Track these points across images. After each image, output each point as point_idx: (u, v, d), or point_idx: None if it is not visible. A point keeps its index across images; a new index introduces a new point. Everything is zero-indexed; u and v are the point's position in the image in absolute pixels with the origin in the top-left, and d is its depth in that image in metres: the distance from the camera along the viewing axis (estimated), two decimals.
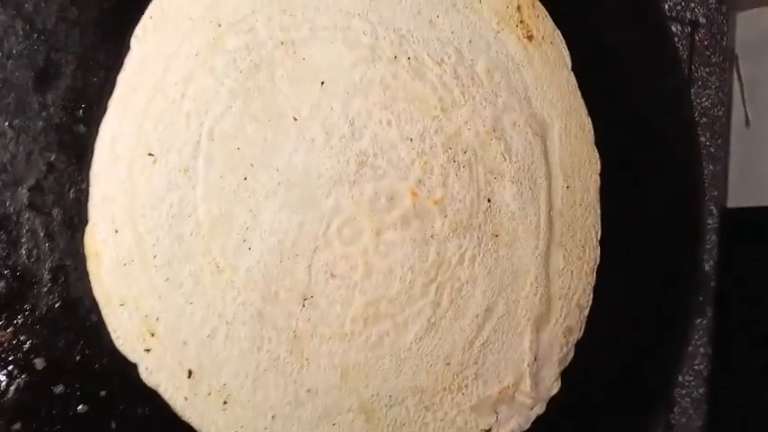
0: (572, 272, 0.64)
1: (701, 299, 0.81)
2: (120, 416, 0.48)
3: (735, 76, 0.85)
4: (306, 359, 0.56)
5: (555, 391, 0.63)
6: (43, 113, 0.45)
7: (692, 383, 0.81)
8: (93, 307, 0.49)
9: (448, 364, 0.60)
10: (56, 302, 0.46)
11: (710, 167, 0.82)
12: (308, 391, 0.56)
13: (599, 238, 0.66)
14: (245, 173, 0.55)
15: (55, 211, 0.47)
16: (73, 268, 0.48)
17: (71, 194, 0.48)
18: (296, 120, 0.57)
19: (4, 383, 0.43)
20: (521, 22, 0.64)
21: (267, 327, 0.56)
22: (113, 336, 0.51)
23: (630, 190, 0.68)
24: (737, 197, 0.85)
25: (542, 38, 0.65)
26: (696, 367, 0.82)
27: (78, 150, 0.48)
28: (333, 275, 0.57)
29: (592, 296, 0.65)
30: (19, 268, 0.45)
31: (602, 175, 0.66)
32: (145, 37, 0.52)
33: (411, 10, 0.61)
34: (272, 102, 0.56)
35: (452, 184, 0.61)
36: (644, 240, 0.70)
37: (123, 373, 0.50)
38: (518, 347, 0.62)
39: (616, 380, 0.67)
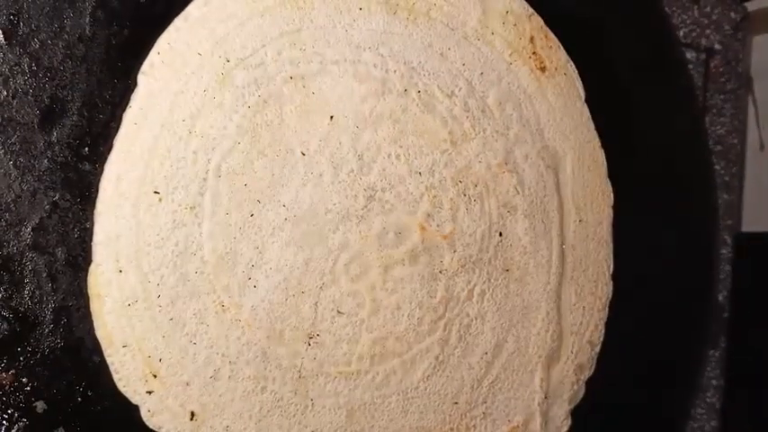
0: (584, 307, 0.63)
1: (714, 330, 0.80)
2: None
3: (749, 100, 0.84)
4: (311, 399, 0.56)
5: (565, 429, 0.62)
6: (48, 152, 0.45)
7: (704, 416, 0.80)
8: (96, 348, 0.48)
9: (456, 403, 0.59)
10: (58, 344, 0.46)
11: (725, 196, 0.81)
12: None
13: (611, 272, 0.65)
14: (251, 209, 0.55)
15: (59, 251, 0.46)
16: (76, 309, 0.48)
17: (75, 234, 0.47)
18: (304, 155, 0.56)
19: (3, 429, 0.43)
20: (533, 53, 0.63)
21: (271, 366, 0.55)
22: (115, 377, 0.51)
23: (643, 222, 0.68)
24: (752, 222, 0.84)
25: (555, 69, 0.64)
26: (708, 400, 0.81)
27: (83, 189, 0.47)
28: (339, 312, 0.57)
29: (603, 332, 0.64)
30: (21, 309, 0.44)
31: (615, 207, 0.66)
32: (152, 73, 0.51)
33: (422, 43, 0.60)
34: (280, 137, 0.55)
35: (462, 218, 0.60)
36: (656, 273, 0.69)
37: (125, 416, 0.49)
38: (528, 385, 0.61)
39: (628, 416, 0.67)
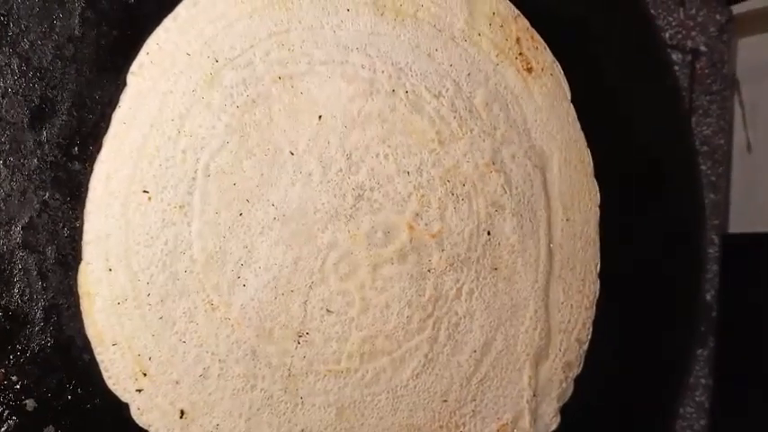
0: (572, 305, 0.64)
1: (702, 329, 0.81)
2: None
3: (736, 101, 0.85)
4: (300, 397, 0.56)
5: (554, 427, 0.63)
6: (38, 151, 0.45)
7: (694, 415, 0.81)
8: (86, 346, 0.48)
9: (445, 401, 0.59)
10: (48, 342, 0.46)
11: (711, 196, 0.82)
12: (303, 430, 0.56)
13: (598, 270, 0.66)
14: (240, 208, 0.55)
15: (48, 250, 0.46)
16: (66, 307, 0.48)
17: (65, 233, 0.47)
18: (293, 154, 0.57)
19: None
20: (520, 54, 0.64)
21: (261, 365, 0.55)
22: (105, 375, 0.51)
23: (630, 221, 0.69)
24: (740, 223, 0.85)
25: (542, 70, 0.65)
26: (697, 399, 0.81)
27: (73, 188, 0.47)
28: (329, 311, 0.57)
29: (591, 330, 0.65)
30: (11, 308, 0.44)
31: (602, 207, 0.67)
32: (141, 73, 0.52)
33: (409, 44, 0.61)
34: (268, 136, 0.56)
35: (450, 218, 0.61)
36: (644, 272, 0.70)
37: (115, 414, 0.49)
38: (517, 383, 0.62)
39: (616, 414, 0.67)
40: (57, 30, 0.44)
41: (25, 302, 0.45)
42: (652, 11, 0.79)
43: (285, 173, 0.56)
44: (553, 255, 0.64)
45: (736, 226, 0.87)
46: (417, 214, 0.60)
